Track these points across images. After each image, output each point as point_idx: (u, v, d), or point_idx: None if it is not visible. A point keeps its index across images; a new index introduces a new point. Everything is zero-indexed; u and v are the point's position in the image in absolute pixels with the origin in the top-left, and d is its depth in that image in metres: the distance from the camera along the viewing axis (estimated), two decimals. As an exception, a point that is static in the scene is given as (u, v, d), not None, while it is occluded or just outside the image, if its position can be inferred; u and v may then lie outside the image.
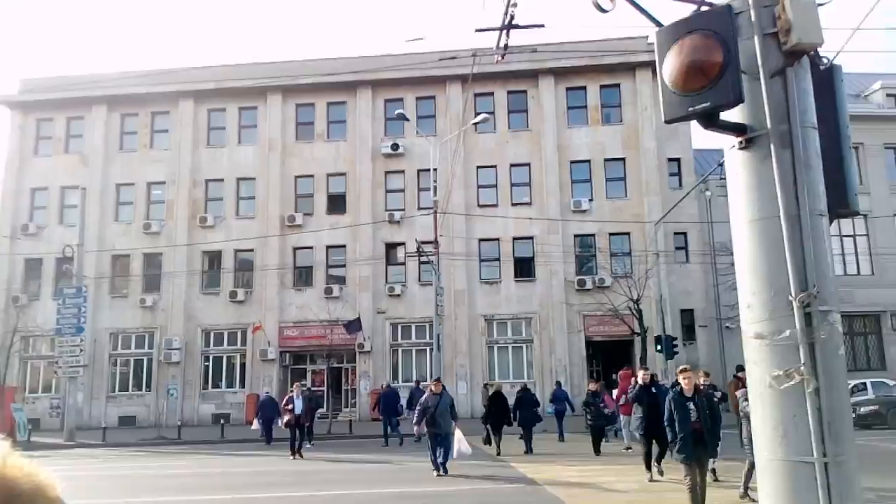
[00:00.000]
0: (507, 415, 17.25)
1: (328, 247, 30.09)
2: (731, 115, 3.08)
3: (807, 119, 3.04)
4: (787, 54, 3.03)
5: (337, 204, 30.56)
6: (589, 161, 30.00)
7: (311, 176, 30.80)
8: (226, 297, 29.79)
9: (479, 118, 24.99)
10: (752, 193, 3.00)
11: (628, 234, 29.01)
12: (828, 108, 3.38)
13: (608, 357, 28.99)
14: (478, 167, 30.25)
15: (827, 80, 3.42)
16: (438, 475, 12.34)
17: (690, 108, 2.94)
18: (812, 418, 2.69)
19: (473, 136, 29.60)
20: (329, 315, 26.75)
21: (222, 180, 31.16)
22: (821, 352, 2.75)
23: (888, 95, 31.59)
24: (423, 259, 25.53)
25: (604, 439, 16.22)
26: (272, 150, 30.82)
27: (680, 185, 28.95)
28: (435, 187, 23.84)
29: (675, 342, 24.48)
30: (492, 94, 30.52)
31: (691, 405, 8.17)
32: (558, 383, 22.38)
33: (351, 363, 29.54)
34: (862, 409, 20.62)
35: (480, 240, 29.60)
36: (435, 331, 22.88)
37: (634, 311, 25.02)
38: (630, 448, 15.65)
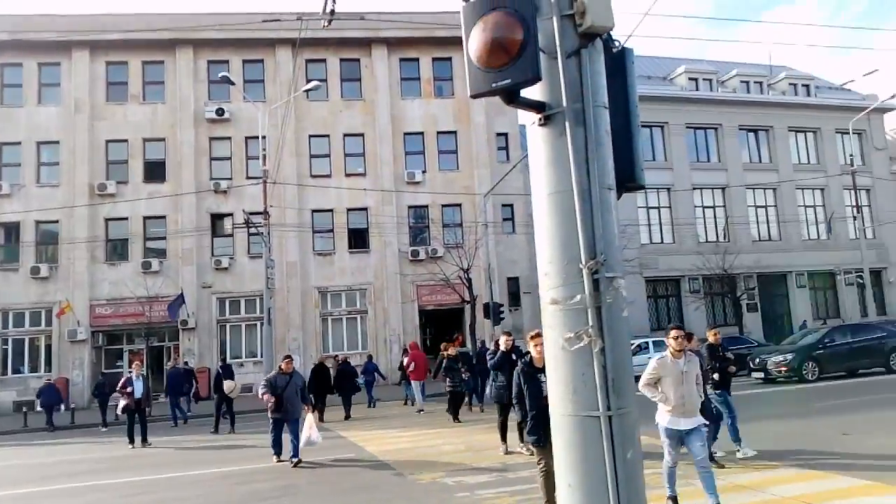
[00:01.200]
0: (329, 385, 18.33)
1: (146, 217, 27.99)
2: (533, 93, 3.20)
3: (599, 98, 3.24)
4: (582, 36, 3.20)
5: (155, 171, 28.45)
6: (422, 133, 30.34)
7: (125, 141, 28.37)
8: (26, 273, 26.82)
9: (310, 85, 24.29)
10: (550, 168, 3.16)
11: (459, 205, 29.84)
12: (619, 88, 3.62)
13: (440, 325, 29.84)
14: (310, 136, 29.50)
15: (619, 62, 3.65)
16: (279, 461, 11.23)
17: (493, 84, 3.02)
18: (598, 376, 2.93)
19: (305, 103, 28.79)
20: (147, 291, 25.14)
21: (20, 144, 27.80)
22: (607, 314, 2.98)
23: (690, 79, 34.90)
24: (253, 230, 24.60)
25: (465, 405, 16.58)
26: (79, 112, 27.94)
27: (507, 158, 30.18)
28: (264, 156, 22.92)
29: (501, 308, 25.68)
30: (324, 60, 29.80)
31: (543, 377, 6.31)
32: (370, 356, 23.58)
33: (174, 341, 27.90)
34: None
35: (313, 210, 29.03)
36: (265, 304, 22.21)
37: (465, 280, 25.86)
38: (422, 411, 17.56)
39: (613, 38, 3.59)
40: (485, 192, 27.10)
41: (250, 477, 10.36)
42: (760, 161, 35.07)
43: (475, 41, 3.08)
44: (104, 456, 13.96)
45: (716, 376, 9.43)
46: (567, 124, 3.10)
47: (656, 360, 6.98)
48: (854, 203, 32.29)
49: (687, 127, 33.73)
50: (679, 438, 6.88)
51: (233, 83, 24.06)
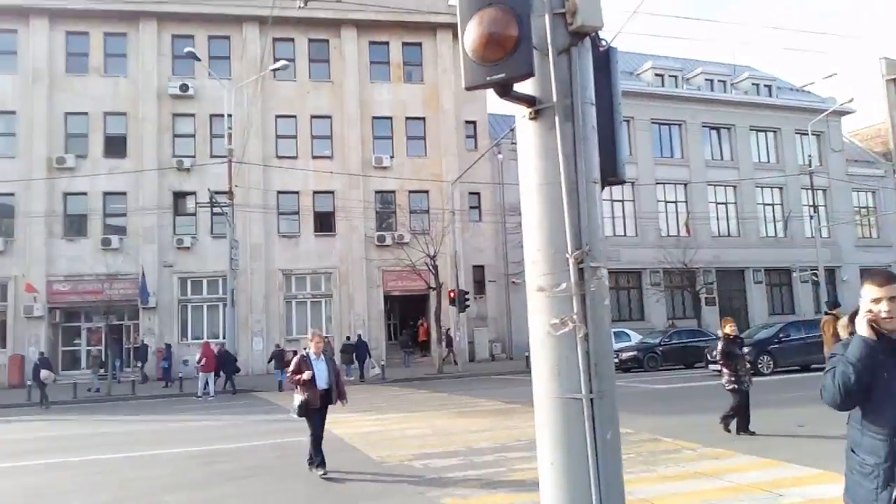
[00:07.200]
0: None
1: (105, 193, 27.43)
2: (524, 87, 3.30)
3: (587, 95, 3.36)
4: (573, 34, 3.31)
5: (116, 146, 27.86)
6: (391, 118, 30.25)
7: (85, 114, 27.69)
8: (-21, 247, 26.09)
9: (277, 64, 24.03)
10: (539, 160, 3.28)
11: (427, 192, 29.90)
12: (604, 85, 3.75)
13: (405, 310, 30.01)
14: (276, 116, 29.19)
15: (604, 60, 3.78)
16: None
17: (488, 78, 3.11)
18: (581, 360, 3.07)
19: (272, 82, 28.44)
20: (107, 268, 24.78)
21: (-28, 112, 26.97)
22: (590, 302, 3.12)
23: (656, 75, 35.45)
24: (217, 210, 24.34)
25: None
26: (37, 82, 27.13)
27: (475, 146, 30.32)
28: (230, 134, 22.68)
29: (466, 296, 25.90)
30: (292, 40, 29.44)
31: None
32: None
33: (133, 319, 27.47)
34: (624, 355, 23.56)
35: (279, 192, 28.78)
36: (229, 286, 22.06)
37: (431, 267, 25.97)
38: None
39: (600, 36, 3.72)
40: (452, 179, 27.20)
41: (212, 458, 10.35)
42: (722, 158, 35.88)
43: (471, 35, 3.16)
44: (58, 434, 13.74)
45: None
46: (556, 119, 3.21)
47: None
48: (811, 203, 33.31)
49: (652, 122, 34.29)
50: None
51: (198, 59, 23.68)
